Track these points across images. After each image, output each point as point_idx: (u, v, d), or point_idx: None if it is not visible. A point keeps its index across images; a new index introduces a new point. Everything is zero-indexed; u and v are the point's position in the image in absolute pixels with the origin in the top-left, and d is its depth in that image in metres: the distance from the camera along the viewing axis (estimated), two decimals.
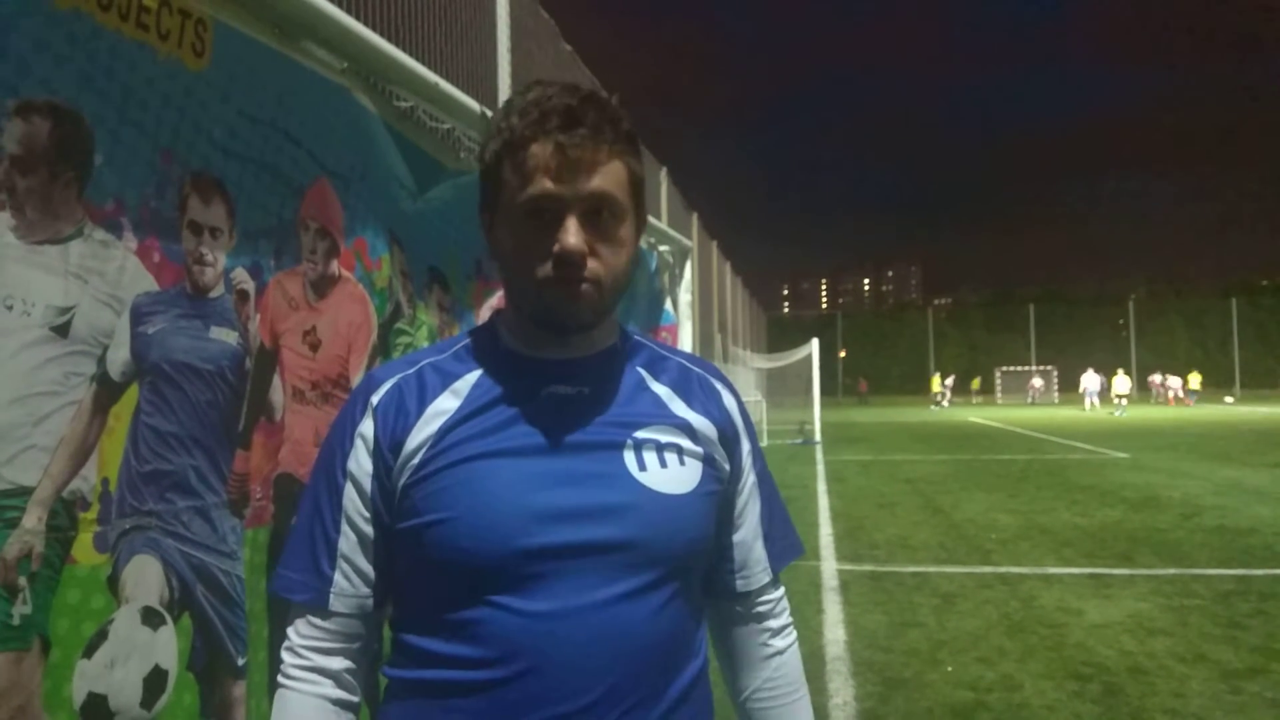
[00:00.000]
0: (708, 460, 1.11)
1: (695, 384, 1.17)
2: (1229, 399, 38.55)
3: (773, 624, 1.22)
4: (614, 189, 1.01)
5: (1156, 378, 44.60)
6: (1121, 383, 34.43)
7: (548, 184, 0.98)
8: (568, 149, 0.98)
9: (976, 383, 51.63)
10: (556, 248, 0.98)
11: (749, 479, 1.20)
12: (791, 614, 1.26)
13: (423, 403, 1.06)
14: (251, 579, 1.77)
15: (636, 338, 1.20)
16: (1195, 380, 42.21)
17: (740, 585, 1.19)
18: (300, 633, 1.07)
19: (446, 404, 1.06)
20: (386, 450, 1.04)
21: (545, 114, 0.99)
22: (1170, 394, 41.81)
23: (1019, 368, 51.08)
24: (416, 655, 1.03)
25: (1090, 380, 36.75)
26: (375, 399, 1.07)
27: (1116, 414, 31.98)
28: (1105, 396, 36.54)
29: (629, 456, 1.05)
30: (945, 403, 43.86)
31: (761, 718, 1.19)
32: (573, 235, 0.98)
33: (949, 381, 46.19)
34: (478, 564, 0.98)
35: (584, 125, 0.98)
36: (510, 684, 0.97)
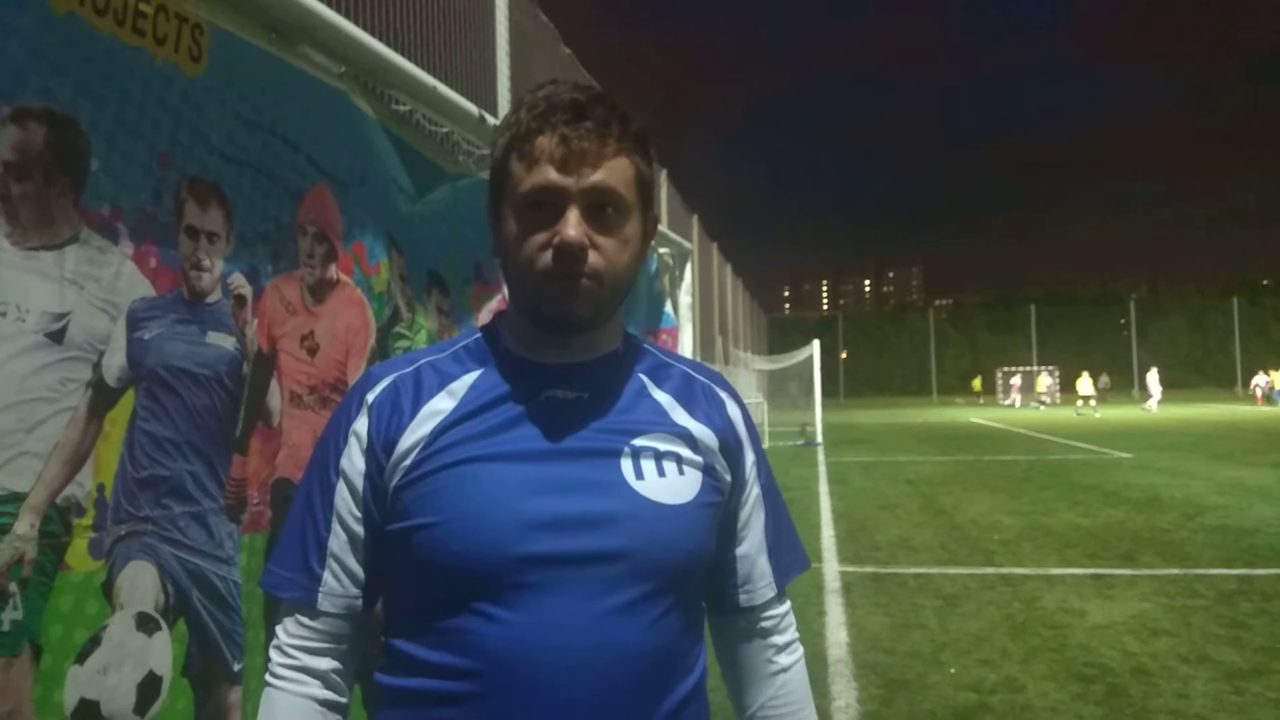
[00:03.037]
0: (708, 470, 1.08)
1: (699, 392, 1.14)
2: None
3: (778, 640, 1.18)
4: (618, 184, 0.99)
5: (1262, 379, 38.70)
6: (1085, 384, 33.34)
7: (551, 174, 0.97)
8: (571, 140, 0.97)
9: (978, 383, 50.90)
10: (556, 239, 0.97)
11: (753, 491, 1.16)
12: (795, 621, 1.23)
13: (418, 402, 1.04)
14: (248, 584, 1.76)
15: (641, 343, 1.17)
16: None
17: (744, 600, 1.15)
18: (289, 632, 1.06)
19: (442, 404, 1.04)
20: (379, 449, 1.03)
21: (552, 107, 0.98)
22: (1258, 392, 37.63)
23: (1021, 368, 50.95)
24: (405, 662, 1.01)
25: (1085, 384, 35.85)
26: (371, 396, 1.06)
27: (1077, 414, 31.05)
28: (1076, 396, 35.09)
29: (626, 464, 1.02)
30: (1048, 401, 39.88)
31: None
32: (573, 227, 0.96)
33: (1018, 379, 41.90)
34: (467, 570, 0.96)
35: (590, 119, 0.98)
36: (490, 697, 0.94)
